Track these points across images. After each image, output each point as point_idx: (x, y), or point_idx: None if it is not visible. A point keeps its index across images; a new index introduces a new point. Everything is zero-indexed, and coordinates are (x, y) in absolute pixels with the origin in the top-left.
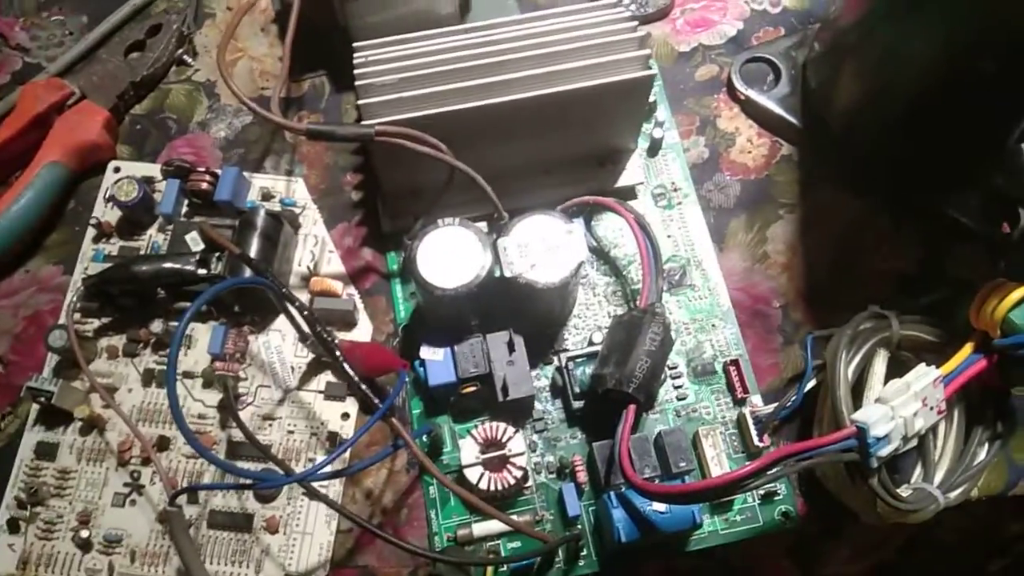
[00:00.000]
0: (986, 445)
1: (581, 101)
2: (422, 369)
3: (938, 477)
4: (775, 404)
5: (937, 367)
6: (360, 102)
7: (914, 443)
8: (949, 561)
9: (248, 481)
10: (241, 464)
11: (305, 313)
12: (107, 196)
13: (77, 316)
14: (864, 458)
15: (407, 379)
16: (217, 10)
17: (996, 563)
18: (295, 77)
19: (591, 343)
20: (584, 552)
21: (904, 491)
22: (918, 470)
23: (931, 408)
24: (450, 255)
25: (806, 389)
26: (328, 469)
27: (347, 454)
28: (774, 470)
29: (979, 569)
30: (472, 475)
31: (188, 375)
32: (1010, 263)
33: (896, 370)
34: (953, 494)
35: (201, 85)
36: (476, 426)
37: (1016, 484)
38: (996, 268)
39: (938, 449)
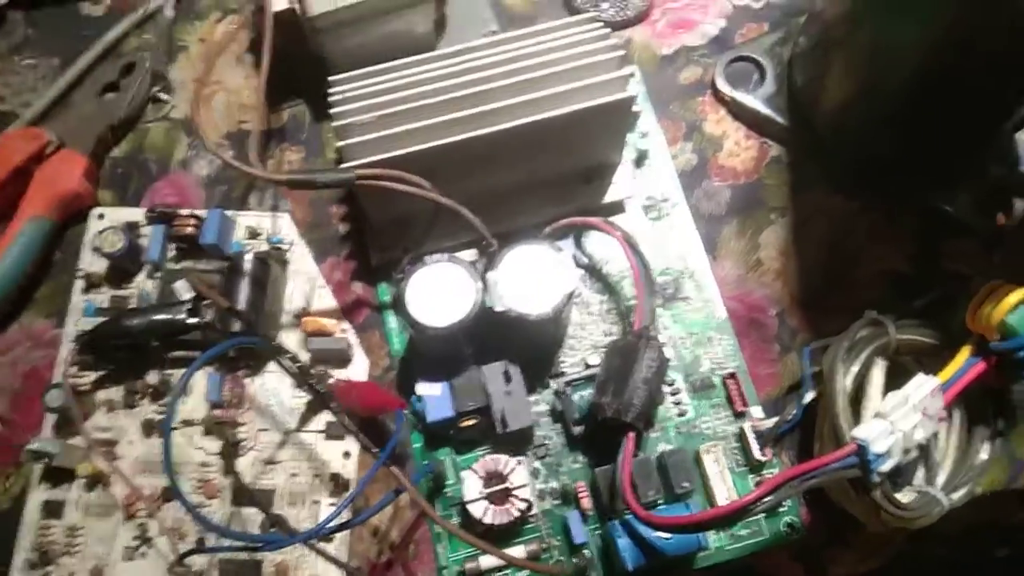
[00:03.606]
0: (987, 443)
1: (564, 125)
2: (420, 405)
3: (941, 479)
4: (776, 418)
5: (935, 373)
6: (339, 144)
7: (915, 454)
8: (956, 549)
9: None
10: (246, 511)
11: (298, 366)
12: (92, 246)
13: (73, 370)
14: (866, 474)
15: (404, 420)
16: (190, 43)
17: (1002, 550)
18: (274, 108)
19: (587, 366)
20: (589, 574)
21: (907, 495)
22: (920, 473)
23: (931, 417)
24: (439, 292)
25: (805, 402)
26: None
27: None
28: (778, 493)
29: (986, 556)
30: (476, 511)
31: (188, 423)
32: (1006, 255)
33: (895, 375)
34: (957, 495)
35: (180, 122)
36: (478, 458)
37: (1018, 477)
38: (991, 262)
39: (940, 451)
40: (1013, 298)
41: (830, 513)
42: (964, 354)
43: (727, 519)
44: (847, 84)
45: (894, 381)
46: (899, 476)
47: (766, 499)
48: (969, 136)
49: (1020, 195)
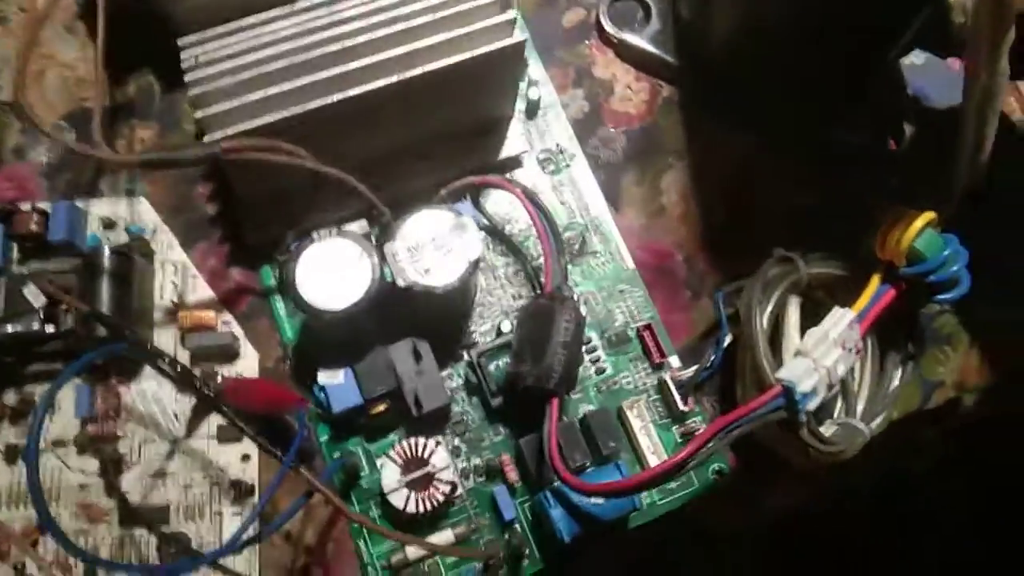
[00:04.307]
0: (900, 368)
1: (447, 79)
2: (323, 395)
3: (859, 409)
4: (695, 367)
5: (848, 306)
6: (197, 115)
7: (838, 388)
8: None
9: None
10: (138, 532)
11: (179, 369)
12: None
13: None
14: (793, 416)
15: (306, 416)
16: (8, 14)
17: (919, 464)
18: (117, 80)
19: (499, 332)
20: (527, 551)
21: (828, 428)
22: (839, 404)
23: (850, 350)
24: (333, 271)
25: (723, 346)
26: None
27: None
28: (710, 445)
29: (905, 471)
30: (397, 500)
31: (59, 443)
32: (902, 180)
33: (809, 311)
34: (875, 422)
35: (6, 105)
36: (393, 444)
37: (929, 398)
38: (888, 187)
39: (856, 381)
40: (919, 223)
41: (755, 452)
42: (875, 283)
43: (661, 478)
44: (732, 14)
45: (809, 319)
46: (819, 411)
47: (698, 453)
48: (856, 64)
49: (908, 120)
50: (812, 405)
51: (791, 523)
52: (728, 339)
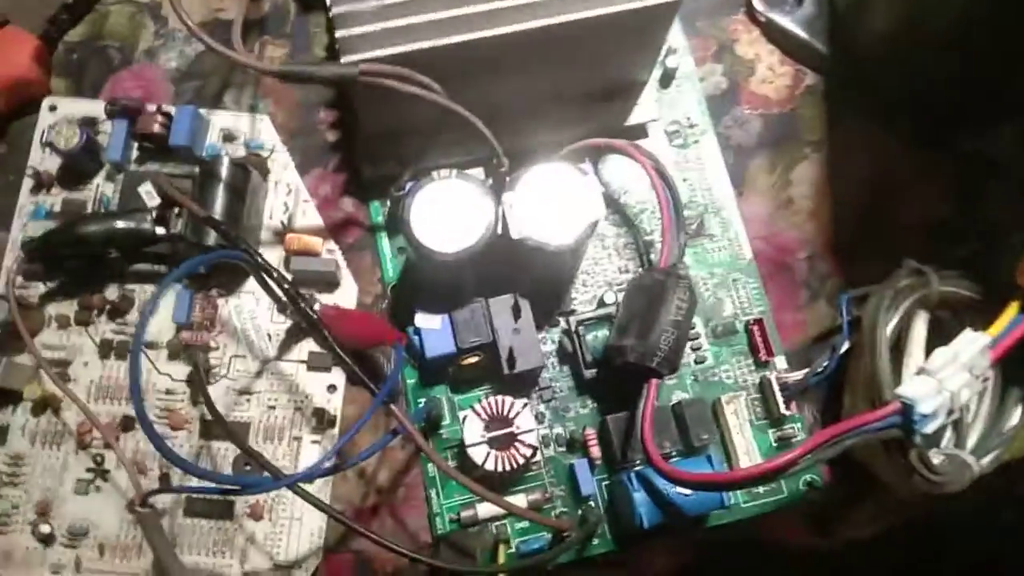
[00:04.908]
0: (1020, 406)
1: (596, 30)
2: (417, 338)
3: (970, 442)
4: (805, 370)
5: (980, 330)
6: (338, 34)
7: (957, 415)
8: (966, 513)
9: (231, 487)
10: (217, 445)
11: (286, 287)
12: (44, 141)
13: (19, 280)
14: (908, 436)
15: (403, 353)
16: None
17: (1009, 513)
18: None
19: (602, 303)
20: (600, 530)
21: (935, 457)
22: (948, 434)
23: (977, 377)
24: (448, 213)
25: (840, 353)
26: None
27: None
28: (816, 453)
29: (994, 519)
30: (477, 455)
31: (151, 345)
32: None
33: (932, 331)
34: (986, 460)
35: (145, 6)
36: (480, 399)
37: None
38: None
39: (971, 412)
40: None
41: (851, 471)
42: (1013, 310)
43: (759, 479)
44: (896, 8)
45: (931, 338)
46: (928, 437)
47: (803, 459)
48: (1014, 72)
49: None
50: (929, 428)
51: (864, 548)
52: (845, 346)
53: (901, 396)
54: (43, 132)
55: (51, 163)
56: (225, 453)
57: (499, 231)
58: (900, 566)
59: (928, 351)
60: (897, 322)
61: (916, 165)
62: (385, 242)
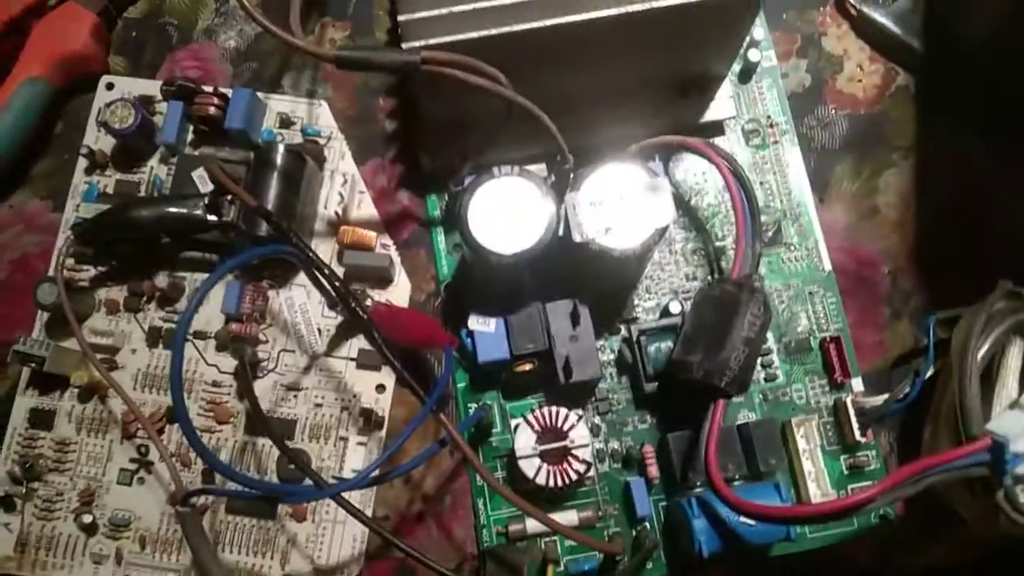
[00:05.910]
0: None
1: (672, 20)
2: (470, 341)
3: None
4: (885, 396)
5: None
6: (401, 18)
7: None
8: None
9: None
10: (261, 442)
11: (337, 285)
12: (99, 120)
13: (70, 262)
14: (998, 476)
15: (453, 359)
16: None
17: None
18: None
19: (666, 313)
20: (655, 554)
21: (1023, 496)
22: None
23: None
24: (507, 212)
25: (924, 379)
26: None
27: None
28: (896, 491)
29: None
30: (528, 469)
31: (200, 335)
32: None
33: None
34: None
35: None
36: (532, 407)
37: None
38: None
39: None
40: None
41: (927, 507)
42: None
43: (834, 516)
44: (1003, 4)
45: None
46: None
47: (880, 497)
48: None
49: None
50: (1022, 469)
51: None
52: (929, 372)
53: (992, 433)
54: (99, 110)
55: (106, 143)
56: (271, 450)
57: (560, 233)
58: None
59: (1023, 383)
60: (988, 348)
61: (1014, 178)
62: (441, 238)
